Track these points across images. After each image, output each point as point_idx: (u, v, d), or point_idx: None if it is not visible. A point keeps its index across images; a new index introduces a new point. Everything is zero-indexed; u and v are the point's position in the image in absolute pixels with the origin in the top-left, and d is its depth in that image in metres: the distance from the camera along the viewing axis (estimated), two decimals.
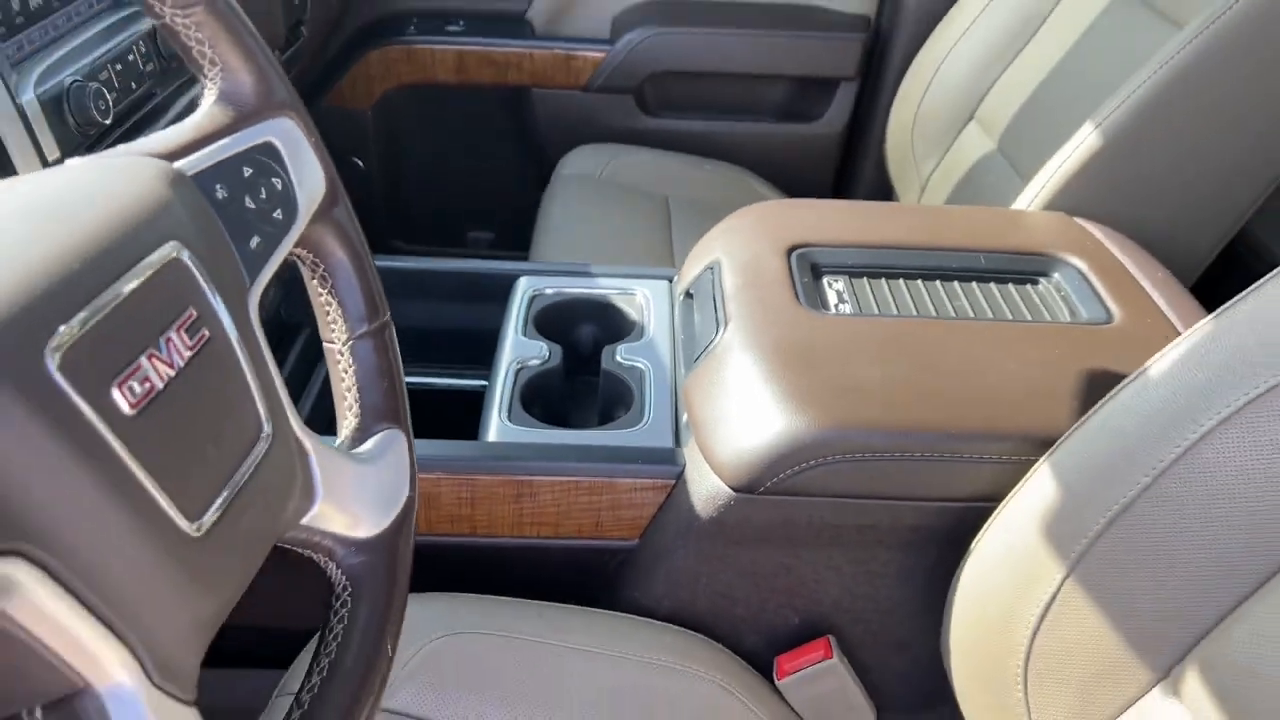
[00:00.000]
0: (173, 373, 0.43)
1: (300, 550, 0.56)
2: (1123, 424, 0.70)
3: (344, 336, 0.62)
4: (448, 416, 1.20)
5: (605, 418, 1.02)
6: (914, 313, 0.97)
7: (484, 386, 1.02)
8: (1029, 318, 0.98)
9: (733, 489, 0.84)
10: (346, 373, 0.62)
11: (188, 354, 0.44)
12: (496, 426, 0.95)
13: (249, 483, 0.46)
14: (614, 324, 1.10)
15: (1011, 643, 0.73)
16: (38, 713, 0.40)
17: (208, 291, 0.46)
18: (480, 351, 1.12)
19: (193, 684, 0.43)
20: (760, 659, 0.92)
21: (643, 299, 1.12)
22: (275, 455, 0.49)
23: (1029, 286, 1.03)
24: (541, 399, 1.00)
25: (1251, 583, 0.63)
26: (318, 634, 0.57)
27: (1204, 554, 0.64)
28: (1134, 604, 0.67)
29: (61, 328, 0.38)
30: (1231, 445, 0.63)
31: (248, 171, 0.54)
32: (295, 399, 0.86)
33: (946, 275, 1.03)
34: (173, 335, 0.43)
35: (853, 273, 1.02)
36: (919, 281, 1.02)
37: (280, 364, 0.69)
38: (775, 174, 1.79)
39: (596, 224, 1.50)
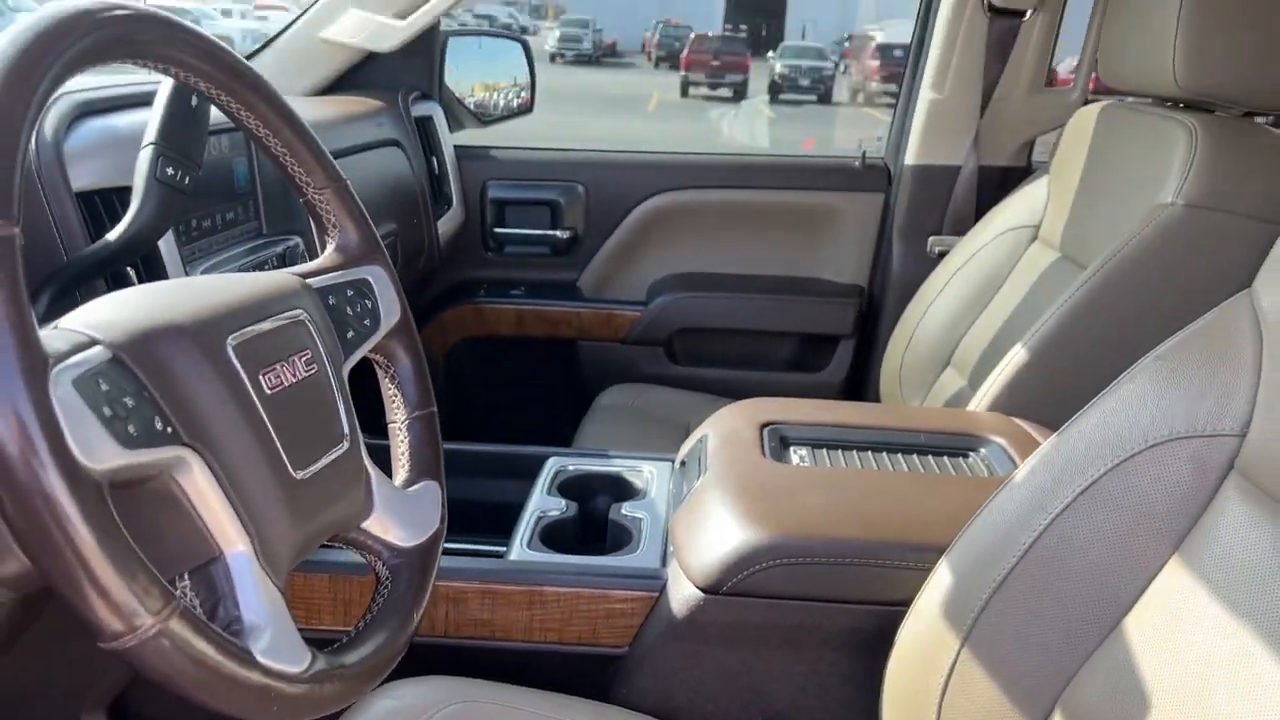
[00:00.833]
0: (295, 380, 0.70)
1: (356, 550, 0.80)
2: (995, 520, 0.90)
3: (403, 417, 0.88)
4: None
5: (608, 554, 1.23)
6: (859, 466, 1.20)
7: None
8: (953, 474, 1.19)
9: (702, 590, 1.04)
10: (403, 442, 0.88)
11: (304, 373, 0.71)
12: (517, 551, 1.17)
13: (330, 465, 0.71)
14: (623, 490, 1.34)
15: (923, 711, 0.90)
16: (186, 578, 0.64)
17: (319, 345, 0.73)
18: (511, 522, 1.34)
19: (283, 578, 0.66)
20: None
21: (648, 473, 1.36)
22: (349, 457, 0.74)
23: (959, 458, 1.25)
24: (557, 539, 1.22)
25: (1100, 632, 0.81)
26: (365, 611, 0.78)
27: (1063, 613, 0.83)
28: (1013, 663, 0.84)
29: (238, 330, 0.66)
30: (1072, 525, 0.84)
31: (350, 293, 0.83)
32: None
33: (892, 448, 1.26)
34: (296, 360, 0.71)
35: (814, 444, 1.26)
36: (869, 452, 1.25)
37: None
38: None
39: (624, 437, 1.77)
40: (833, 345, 2.15)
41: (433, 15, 1.82)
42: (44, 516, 0.49)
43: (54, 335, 0.57)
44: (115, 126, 1.04)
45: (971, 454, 1.27)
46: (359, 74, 1.88)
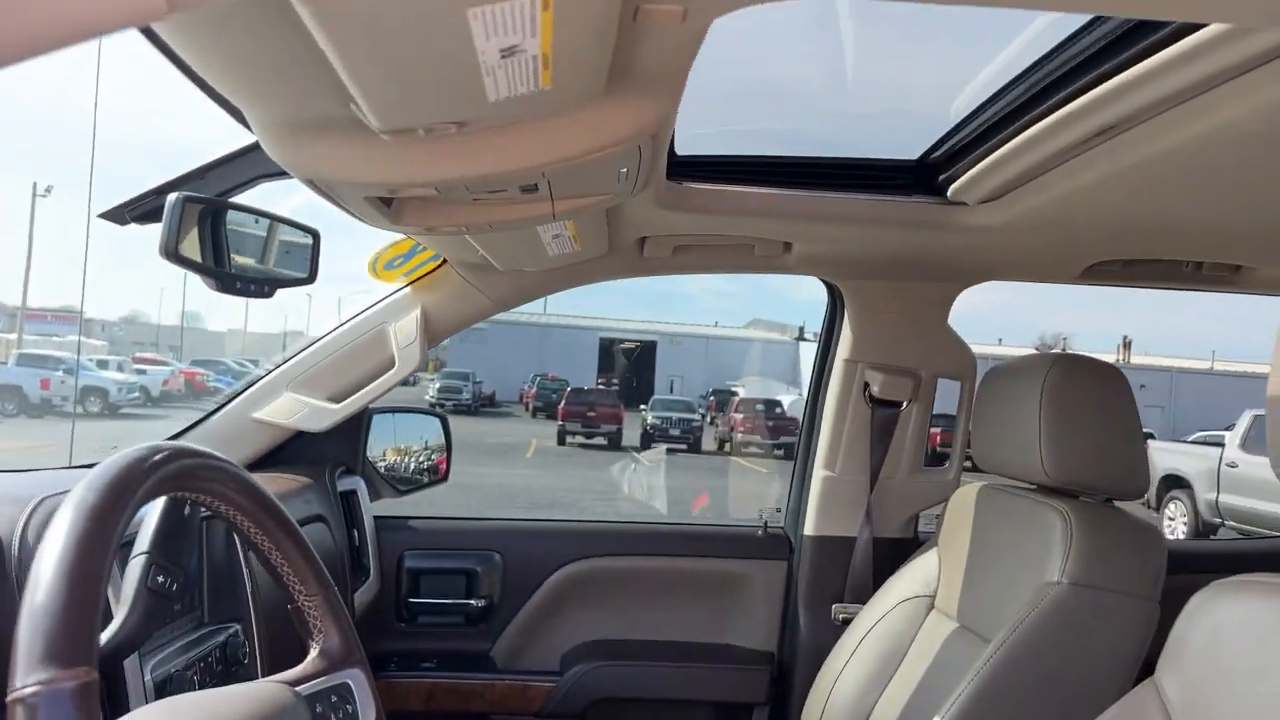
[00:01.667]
0: None
1: None
2: None
3: None
4: None
5: None
6: None
7: None
8: None
9: None
10: None
11: None
12: None
13: None
14: None
15: None
16: None
17: None
18: None
19: None
20: None
21: None
22: None
23: None
24: None
25: None
26: None
27: None
28: None
29: None
30: None
31: (334, 698, 0.86)
32: None
33: None
34: None
35: None
36: None
37: None
38: None
39: None
40: (746, 713, 2.17)
41: (367, 400, 1.94)
42: None
43: None
44: None
45: None
46: (286, 450, 1.95)
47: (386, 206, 1.24)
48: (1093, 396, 1.58)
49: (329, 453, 2.01)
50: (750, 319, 45.80)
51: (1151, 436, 13.78)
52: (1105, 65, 1.06)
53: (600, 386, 28.36)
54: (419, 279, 1.97)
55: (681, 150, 1.56)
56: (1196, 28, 0.89)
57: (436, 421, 2.40)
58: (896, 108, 1.75)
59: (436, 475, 2.37)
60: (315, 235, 1.50)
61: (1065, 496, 1.60)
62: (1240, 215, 1.42)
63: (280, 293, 1.48)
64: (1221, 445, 11.01)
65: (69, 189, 30.44)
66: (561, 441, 22.32)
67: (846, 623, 2.00)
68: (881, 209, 1.65)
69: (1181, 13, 0.84)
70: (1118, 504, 1.63)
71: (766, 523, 2.25)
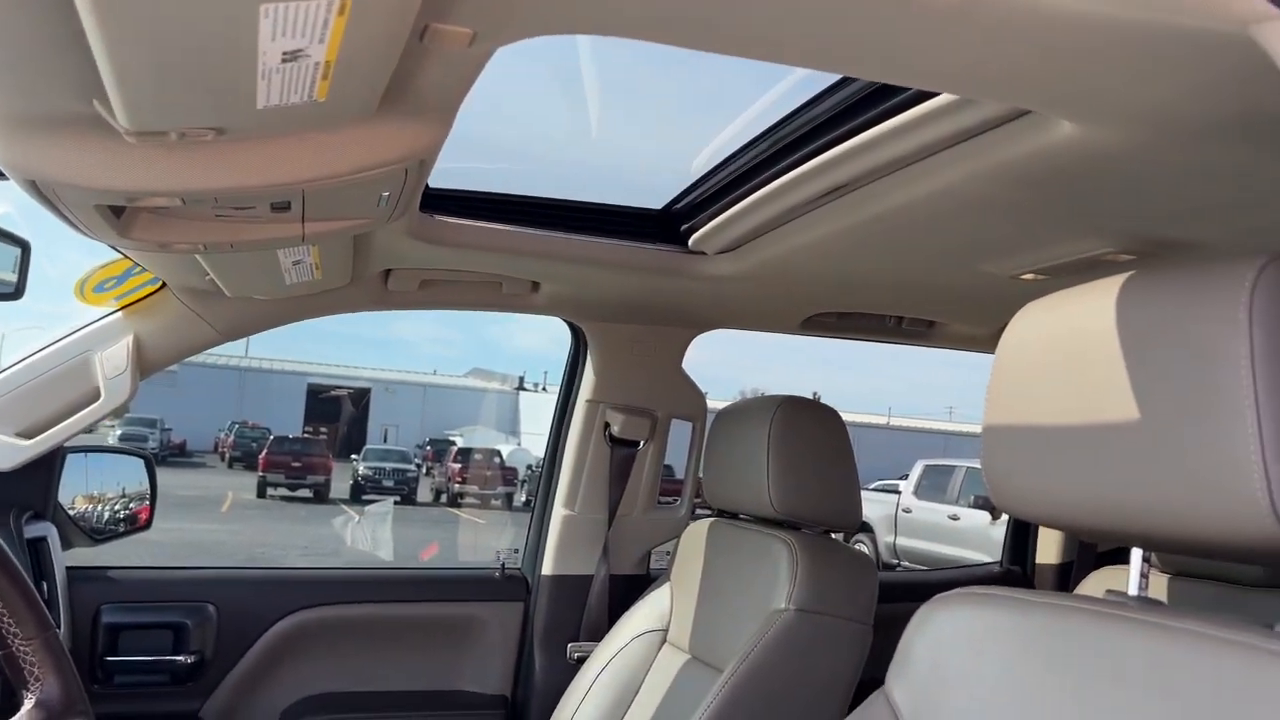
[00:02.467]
0: None
1: None
2: None
3: None
4: None
5: None
6: None
7: None
8: None
9: None
10: None
11: None
12: None
13: None
14: None
15: None
16: None
17: None
18: None
19: None
20: None
21: None
22: None
23: None
24: None
25: None
26: None
27: None
28: None
29: None
30: None
31: None
32: None
33: None
34: None
35: None
36: None
37: None
38: None
39: None
40: None
41: (64, 437, 1.75)
42: None
43: None
44: None
45: None
46: None
47: (116, 217, 1.14)
48: (815, 435, 1.71)
49: (16, 494, 1.79)
50: (471, 368, 45.52)
51: None
52: (842, 128, 1.17)
53: (307, 435, 26.99)
54: (132, 304, 1.81)
55: (433, 183, 1.55)
56: (927, 96, 1.01)
57: (140, 462, 2.20)
58: (645, 160, 1.84)
59: (136, 523, 2.17)
60: (25, 246, 1.34)
61: (789, 528, 1.72)
62: (941, 274, 1.61)
63: None
64: (898, 493, 12.18)
65: None
66: (262, 494, 20.97)
67: (582, 661, 2.02)
68: (626, 254, 1.71)
69: (904, 78, 0.95)
70: (834, 535, 1.76)
71: (504, 564, 2.23)
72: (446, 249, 1.65)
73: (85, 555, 2.00)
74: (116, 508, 2.17)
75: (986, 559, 3.60)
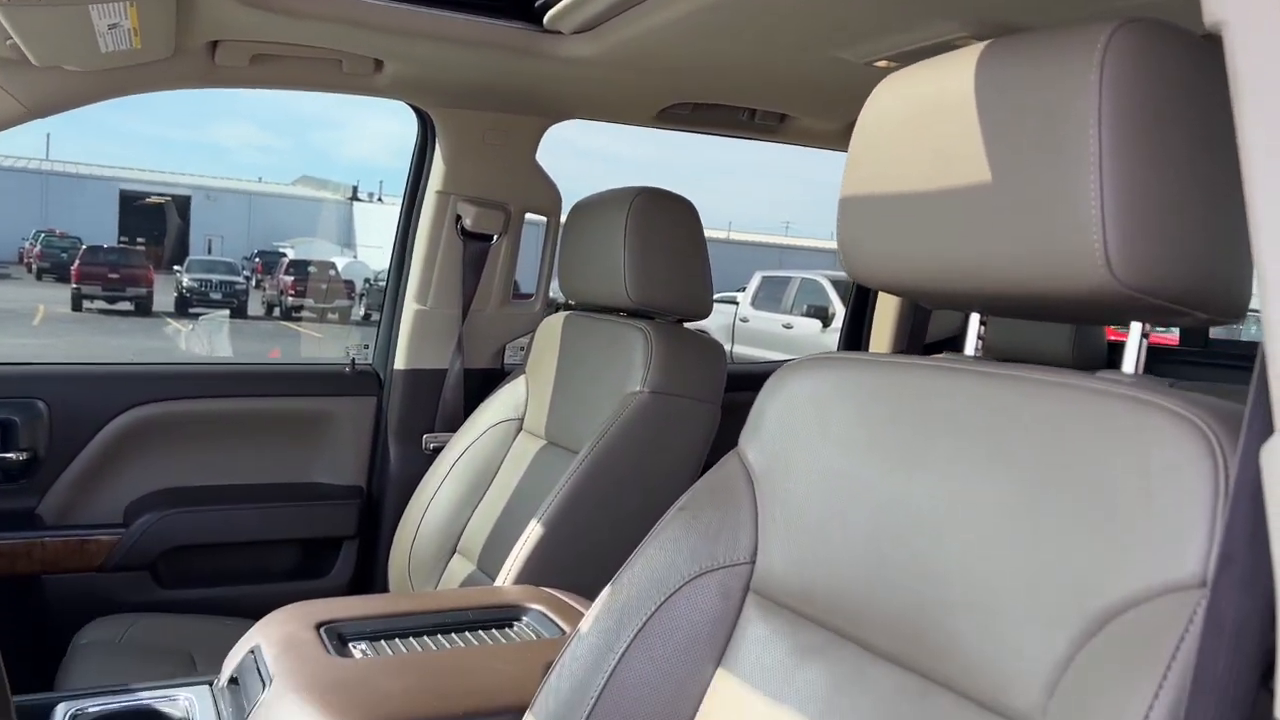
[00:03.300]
0: None
1: None
2: (572, 667, 1.02)
3: None
4: None
5: None
6: (419, 650, 1.25)
7: None
8: (506, 643, 1.30)
9: None
10: None
11: None
12: None
13: None
14: None
15: None
16: None
17: None
18: None
19: None
20: None
21: (185, 701, 1.26)
22: None
23: (507, 628, 1.36)
24: None
25: None
26: None
27: None
28: None
29: None
30: (637, 659, 0.98)
31: None
32: None
33: (445, 629, 1.33)
34: None
35: (372, 637, 1.29)
36: (424, 636, 1.31)
37: None
38: None
39: (118, 676, 1.58)
40: (335, 548, 2.15)
41: None
42: None
43: None
44: None
45: (516, 623, 1.39)
46: None
47: None
48: (670, 226, 1.73)
49: None
50: (299, 176, 43.19)
51: None
52: None
53: (124, 245, 25.30)
54: None
55: None
56: None
57: None
58: None
59: None
60: None
61: (644, 318, 1.76)
62: (798, 62, 1.61)
63: None
64: (736, 303, 12.57)
65: None
66: (77, 307, 19.79)
67: (438, 451, 2.05)
68: (477, 30, 1.63)
69: None
70: (687, 325, 1.82)
71: (354, 360, 2.20)
72: (279, 17, 1.53)
73: None
74: None
75: None
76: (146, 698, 1.26)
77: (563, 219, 2.04)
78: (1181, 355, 2.41)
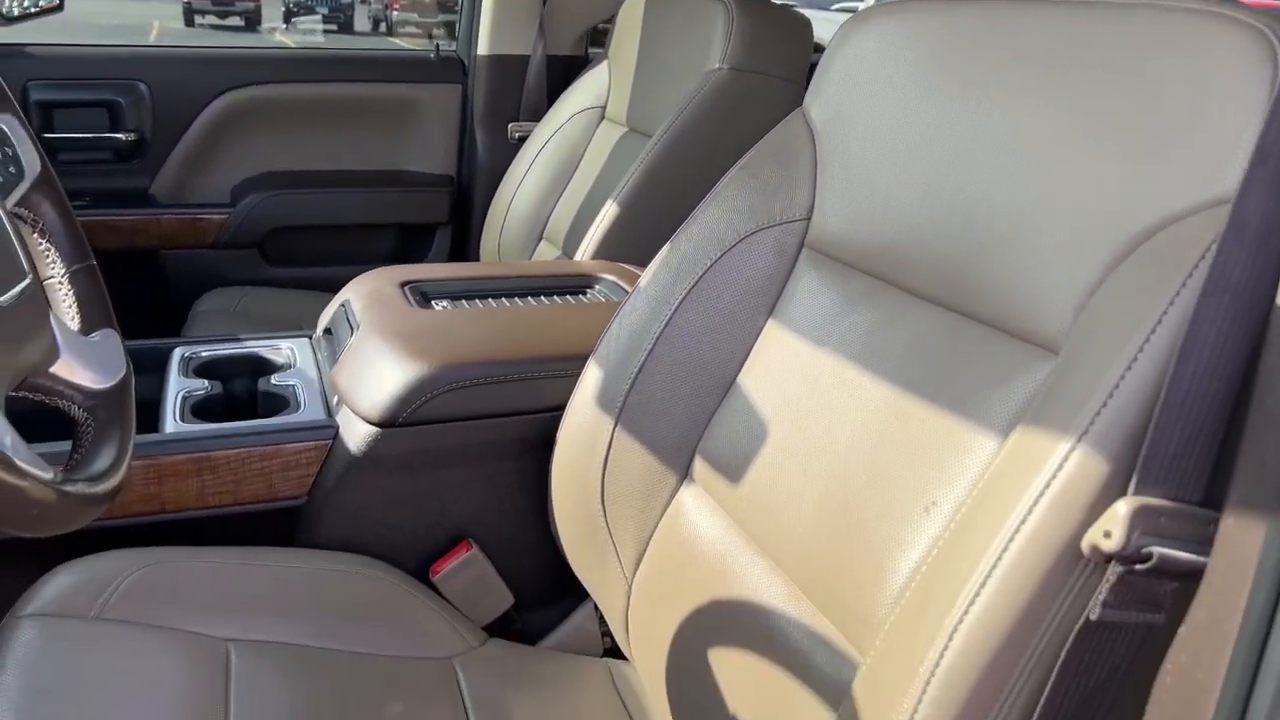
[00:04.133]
0: None
1: (46, 398, 0.77)
2: (630, 318, 1.07)
3: (62, 270, 0.85)
4: None
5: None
6: (496, 307, 1.33)
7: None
8: (577, 304, 1.36)
9: (378, 426, 1.11)
10: (67, 295, 0.85)
11: None
12: (172, 426, 1.14)
13: (16, 302, 0.69)
14: (266, 367, 1.34)
15: (589, 492, 1.05)
16: None
17: None
18: (149, 413, 1.29)
19: None
20: (420, 575, 1.16)
21: (288, 349, 1.37)
22: (33, 295, 0.72)
23: (580, 294, 1.42)
24: (208, 414, 1.21)
25: (722, 390, 1.00)
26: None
27: (693, 381, 1.01)
28: (658, 430, 1.01)
29: None
30: (692, 310, 1.02)
31: None
32: None
33: (522, 292, 1.39)
34: None
35: (453, 295, 1.36)
36: (503, 298, 1.38)
37: None
38: None
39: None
40: (429, 234, 2.24)
41: None
42: None
43: None
44: None
45: (589, 290, 1.44)
46: None
47: None
48: None
49: None
50: None
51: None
52: None
53: None
54: None
55: None
56: None
57: None
58: None
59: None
60: None
61: None
62: None
63: None
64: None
65: None
66: (190, 22, 19.87)
67: (523, 140, 2.06)
68: None
69: None
70: None
71: (439, 45, 2.18)
72: None
73: None
74: None
75: None
76: (253, 345, 1.38)
77: None
78: None
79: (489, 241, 2.05)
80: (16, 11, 1.98)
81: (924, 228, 0.84)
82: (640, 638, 1.01)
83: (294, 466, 1.14)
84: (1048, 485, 0.59)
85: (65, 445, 0.75)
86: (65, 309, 0.84)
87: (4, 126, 0.81)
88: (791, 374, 0.93)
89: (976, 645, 0.59)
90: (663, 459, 1.01)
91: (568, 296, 1.41)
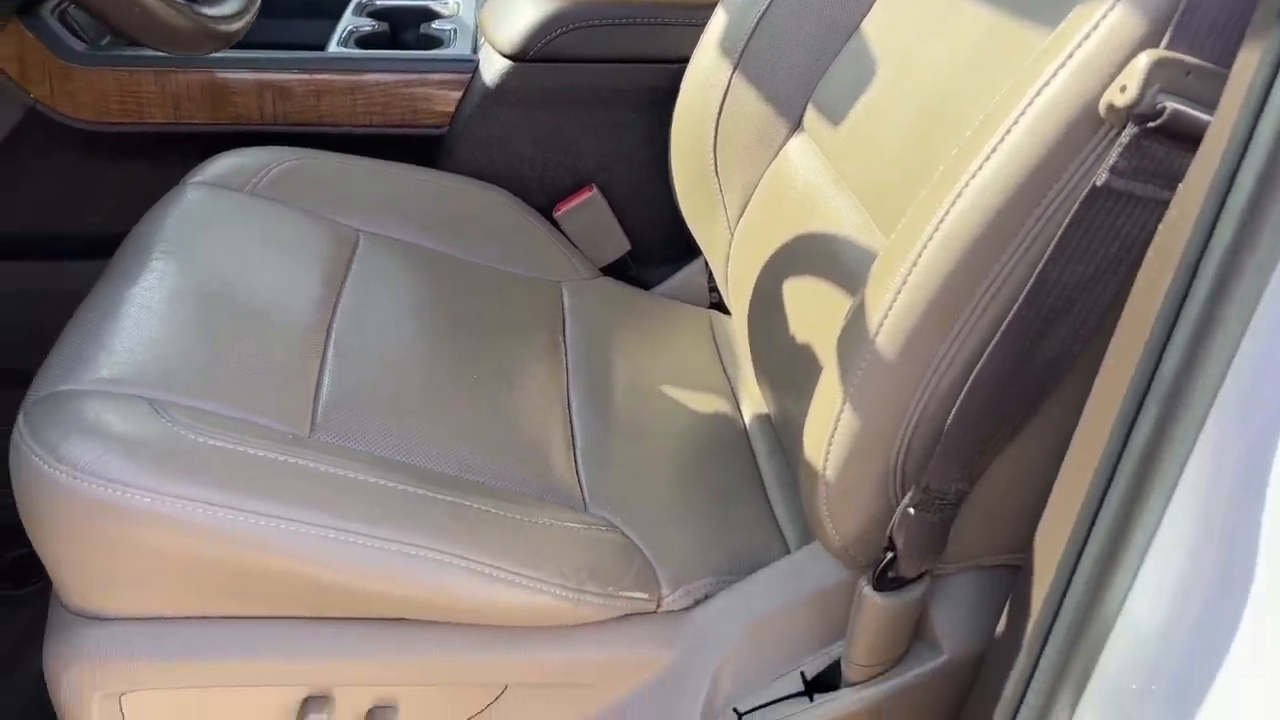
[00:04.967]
0: None
1: None
2: None
3: None
4: None
5: None
6: None
7: None
8: None
9: (511, 58, 1.15)
10: None
11: None
12: (335, 49, 1.24)
13: None
14: (431, 14, 1.40)
15: (703, 136, 1.05)
16: None
17: None
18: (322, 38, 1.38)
19: None
20: (544, 212, 1.22)
21: (454, 3, 1.42)
22: None
23: None
24: (371, 46, 1.29)
25: (843, 36, 0.97)
26: None
27: (816, 20, 0.97)
28: (776, 77, 0.99)
29: None
30: None
31: None
32: None
33: None
34: None
35: None
36: None
37: None
38: None
39: None
40: None
41: None
42: None
43: None
44: None
45: None
46: None
47: None
48: None
49: None
50: None
51: None
52: None
53: None
54: None
55: None
56: None
57: None
58: None
59: None
60: None
61: None
62: None
63: None
64: None
65: None
66: None
67: None
68: None
69: None
70: None
71: None
72: None
73: None
74: None
75: None
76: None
77: None
78: None
79: None
80: None
81: None
82: (735, 287, 1.04)
83: (437, 98, 1.21)
84: (1079, 45, 0.56)
85: None
86: None
87: None
88: (906, 22, 0.89)
89: (982, 204, 0.59)
90: (777, 106, 1.00)
91: None
